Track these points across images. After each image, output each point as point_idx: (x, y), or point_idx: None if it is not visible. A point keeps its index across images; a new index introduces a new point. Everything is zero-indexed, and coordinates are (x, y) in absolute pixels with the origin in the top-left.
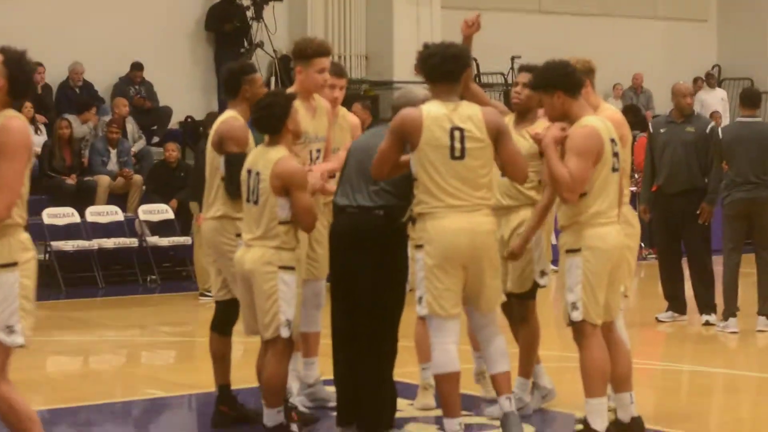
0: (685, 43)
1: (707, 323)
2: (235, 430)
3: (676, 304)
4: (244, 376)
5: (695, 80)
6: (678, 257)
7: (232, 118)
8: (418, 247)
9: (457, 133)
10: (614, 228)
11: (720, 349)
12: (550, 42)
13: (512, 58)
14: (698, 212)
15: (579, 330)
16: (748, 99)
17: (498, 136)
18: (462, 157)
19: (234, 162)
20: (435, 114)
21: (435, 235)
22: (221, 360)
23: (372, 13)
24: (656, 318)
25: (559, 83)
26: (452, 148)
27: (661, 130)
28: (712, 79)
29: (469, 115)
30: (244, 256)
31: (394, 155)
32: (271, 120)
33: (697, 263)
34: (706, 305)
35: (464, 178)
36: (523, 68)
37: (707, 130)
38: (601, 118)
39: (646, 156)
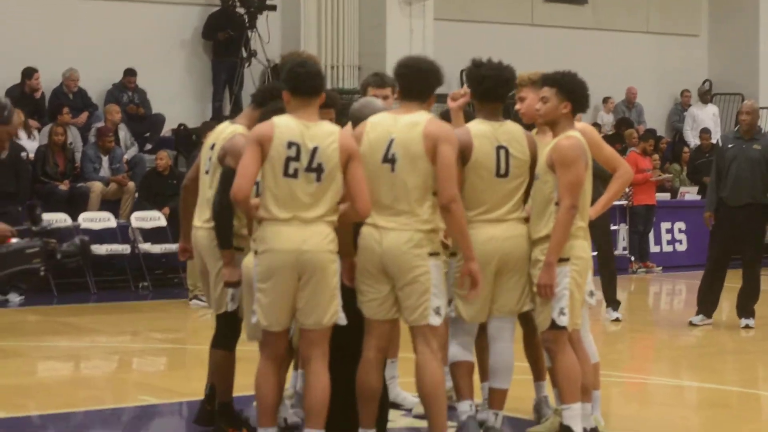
0: (676, 58)
1: (747, 327)
2: None
3: (707, 308)
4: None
5: (683, 92)
6: (726, 266)
7: (239, 135)
8: (453, 255)
9: (502, 152)
10: (588, 241)
11: (707, 363)
12: (543, 55)
13: None
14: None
15: (555, 337)
16: None
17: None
18: (506, 175)
19: (230, 176)
20: (482, 131)
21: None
22: (225, 376)
23: (365, 23)
24: (690, 321)
25: (576, 98)
26: (498, 166)
27: (729, 146)
28: (705, 95)
29: (514, 133)
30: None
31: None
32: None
33: (749, 273)
34: (747, 311)
35: (506, 196)
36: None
37: None
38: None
39: (713, 168)
